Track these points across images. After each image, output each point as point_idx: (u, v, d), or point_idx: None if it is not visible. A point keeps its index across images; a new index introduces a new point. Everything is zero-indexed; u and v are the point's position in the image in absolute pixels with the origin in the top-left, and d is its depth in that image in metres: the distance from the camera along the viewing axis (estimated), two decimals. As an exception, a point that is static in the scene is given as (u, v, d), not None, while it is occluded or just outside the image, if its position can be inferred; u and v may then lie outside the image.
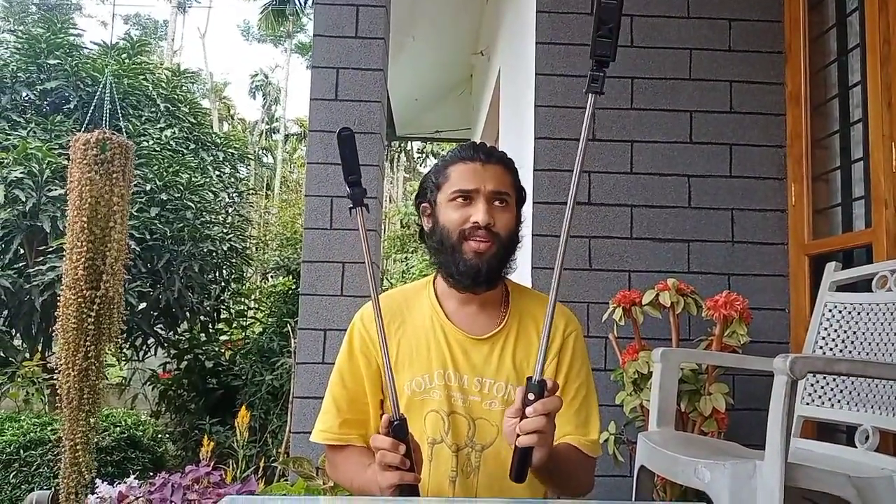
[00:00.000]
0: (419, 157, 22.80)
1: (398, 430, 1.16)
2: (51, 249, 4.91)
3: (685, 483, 1.54)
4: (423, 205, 1.46)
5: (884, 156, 2.09)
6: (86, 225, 3.27)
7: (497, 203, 1.37)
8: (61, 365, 3.27)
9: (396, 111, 6.70)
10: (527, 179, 2.69)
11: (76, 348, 3.24)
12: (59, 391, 3.30)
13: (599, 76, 1.08)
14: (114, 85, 5.19)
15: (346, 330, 1.47)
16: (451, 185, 1.39)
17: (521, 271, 2.45)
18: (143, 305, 5.57)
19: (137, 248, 5.24)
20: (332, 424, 1.40)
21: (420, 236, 1.51)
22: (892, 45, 2.09)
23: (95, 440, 3.42)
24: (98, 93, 4.95)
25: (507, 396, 1.37)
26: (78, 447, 3.28)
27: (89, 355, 3.26)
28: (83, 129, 3.71)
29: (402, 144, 20.38)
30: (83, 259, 3.26)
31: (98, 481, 2.80)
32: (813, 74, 2.57)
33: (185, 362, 6.07)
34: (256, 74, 28.76)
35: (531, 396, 1.11)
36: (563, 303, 1.54)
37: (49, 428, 4.19)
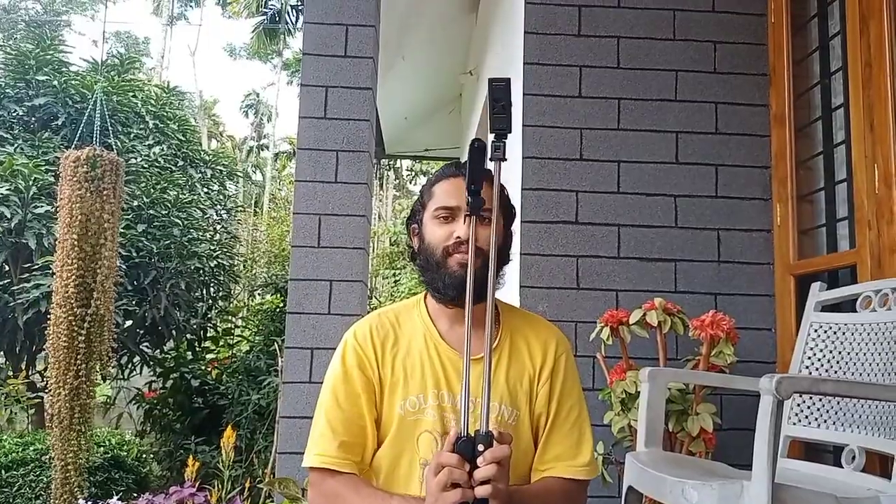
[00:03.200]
0: (409, 175, 22.86)
1: (464, 447, 1.14)
2: (36, 267, 4.86)
3: (673, 504, 1.54)
4: (413, 226, 1.48)
5: (867, 177, 2.12)
6: (76, 242, 3.26)
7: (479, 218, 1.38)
8: (52, 384, 3.24)
9: (386, 129, 6.72)
10: (514, 199, 2.70)
11: (67, 367, 3.21)
12: (49, 411, 3.25)
13: (500, 146, 1.21)
14: (103, 102, 5.18)
15: (333, 349, 1.45)
16: (434, 203, 1.41)
17: (508, 289, 2.45)
18: (128, 323, 5.53)
19: (124, 266, 5.20)
20: (329, 448, 1.33)
21: (410, 258, 1.51)
22: (874, 68, 2.12)
23: (86, 460, 3.38)
24: (88, 110, 4.94)
25: (500, 417, 1.36)
26: (69, 467, 3.23)
27: (80, 374, 3.23)
28: (72, 145, 3.69)
29: (392, 163, 20.43)
30: (73, 277, 3.24)
31: (81, 502, 2.76)
32: (797, 97, 2.61)
33: (171, 381, 6.01)
34: (249, 94, 28.81)
35: (481, 447, 1.13)
36: (551, 322, 1.55)
37: (32, 448, 4.12)
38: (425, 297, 1.48)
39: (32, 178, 5.10)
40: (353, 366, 1.39)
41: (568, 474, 1.38)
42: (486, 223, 1.37)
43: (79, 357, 3.22)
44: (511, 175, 2.75)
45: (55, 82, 6.07)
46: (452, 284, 1.36)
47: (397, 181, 23.63)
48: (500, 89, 1.23)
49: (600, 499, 2.24)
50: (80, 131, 4.72)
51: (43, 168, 5.18)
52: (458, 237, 1.36)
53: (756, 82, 2.72)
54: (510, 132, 1.23)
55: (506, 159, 1.23)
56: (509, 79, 1.25)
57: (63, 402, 3.21)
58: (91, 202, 3.33)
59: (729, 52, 2.74)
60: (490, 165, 1.25)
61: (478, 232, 1.36)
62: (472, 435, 1.15)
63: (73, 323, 3.23)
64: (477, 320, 1.42)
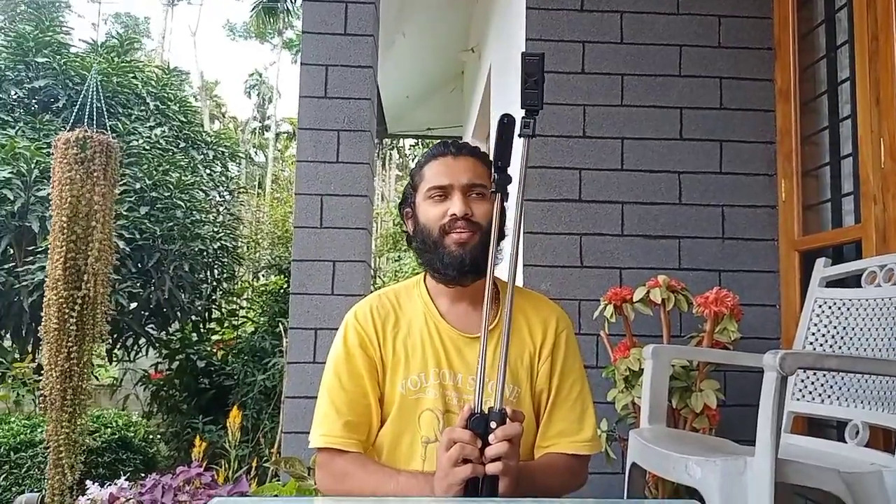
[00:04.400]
0: (411, 154, 22.79)
1: (477, 423, 1.14)
2: (39, 249, 4.88)
3: (677, 480, 1.54)
4: (406, 210, 1.48)
5: (872, 152, 2.10)
6: (65, 224, 3.25)
7: (474, 195, 1.39)
8: (46, 366, 3.25)
9: (388, 108, 6.68)
10: (516, 177, 2.68)
11: (58, 349, 3.22)
12: (43, 392, 3.28)
13: (530, 122, 1.22)
14: (102, 83, 5.16)
15: (337, 329, 1.45)
16: (426, 184, 1.41)
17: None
18: (133, 305, 5.55)
19: (127, 248, 5.21)
20: (334, 427, 1.33)
21: (407, 242, 1.52)
22: (880, 41, 2.09)
23: (82, 442, 3.40)
24: (85, 91, 4.92)
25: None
26: (61, 449, 3.25)
27: (72, 356, 3.23)
28: (71, 127, 3.68)
29: (395, 142, 20.36)
30: (62, 259, 3.24)
31: (88, 483, 2.78)
32: (802, 71, 2.58)
33: (177, 362, 6.04)
34: (252, 74, 28.67)
35: (493, 425, 1.13)
36: (554, 300, 1.55)
37: (39, 430, 4.16)
38: (425, 277, 1.48)
39: (34, 161, 5.09)
40: (354, 345, 1.39)
41: (571, 450, 1.38)
42: (482, 199, 1.39)
43: (70, 340, 3.23)
44: (513, 152, 2.73)
45: (55, 64, 6.05)
46: (451, 264, 1.36)
47: (400, 160, 23.57)
48: (532, 64, 1.23)
49: (604, 475, 2.25)
50: (78, 113, 4.71)
51: (44, 151, 5.17)
52: (454, 214, 1.36)
53: (761, 56, 2.69)
54: (541, 108, 1.23)
55: (535, 136, 1.23)
56: (542, 54, 1.24)
57: (54, 384, 3.23)
58: (80, 184, 3.31)
59: (733, 26, 2.70)
60: (519, 142, 1.24)
61: (475, 207, 1.37)
62: (486, 412, 1.15)
63: (64, 305, 3.23)
64: (481, 299, 1.43)
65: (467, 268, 1.36)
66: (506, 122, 1.23)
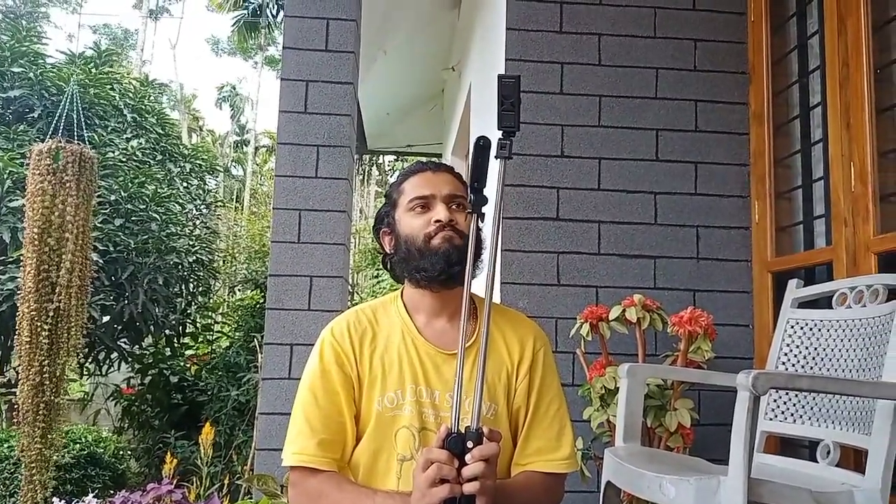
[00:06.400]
0: (390, 171, 22.81)
1: (454, 443, 1.14)
2: (10, 260, 4.79)
3: (651, 499, 1.54)
4: (383, 230, 1.48)
5: (843, 175, 2.14)
6: (37, 236, 3.20)
7: (454, 206, 1.41)
8: (20, 380, 3.20)
9: (368, 125, 6.69)
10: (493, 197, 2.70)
11: (30, 363, 3.16)
12: (15, 407, 3.22)
13: (507, 144, 1.23)
14: (79, 94, 5.10)
15: (313, 345, 1.44)
16: (406, 196, 1.42)
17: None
18: (106, 319, 5.46)
19: (101, 261, 5.13)
20: (308, 445, 1.31)
21: (383, 262, 1.51)
22: (851, 67, 2.15)
23: (53, 457, 3.33)
24: (62, 102, 4.87)
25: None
26: (33, 465, 3.19)
27: (44, 370, 3.17)
28: (47, 138, 3.63)
29: (374, 158, 20.36)
30: (33, 271, 3.19)
31: (56, 500, 2.72)
32: (775, 95, 2.63)
33: (150, 377, 5.96)
34: (224, 86, 28.54)
35: (470, 444, 1.13)
36: (531, 318, 1.55)
37: (6, 445, 4.07)
38: (402, 293, 1.48)
39: (7, 172, 5.01)
40: (330, 362, 1.38)
41: (548, 469, 1.39)
42: (462, 211, 1.41)
43: (41, 353, 3.17)
44: (492, 171, 2.74)
45: (31, 74, 5.97)
46: (439, 261, 1.36)
47: (380, 177, 23.57)
48: (508, 86, 1.24)
49: (579, 494, 2.25)
50: (55, 124, 4.65)
51: (18, 161, 5.10)
52: (439, 220, 1.37)
53: (735, 80, 2.74)
54: (518, 130, 1.23)
55: (511, 157, 1.24)
56: (519, 76, 1.25)
57: (25, 397, 3.17)
58: (52, 195, 3.27)
59: (709, 50, 2.75)
60: (495, 164, 1.26)
61: (457, 217, 1.39)
62: (463, 431, 1.15)
63: (36, 319, 3.18)
64: (455, 314, 1.43)
65: (454, 262, 1.35)
66: (481, 145, 1.23)
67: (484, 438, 1.14)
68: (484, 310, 1.22)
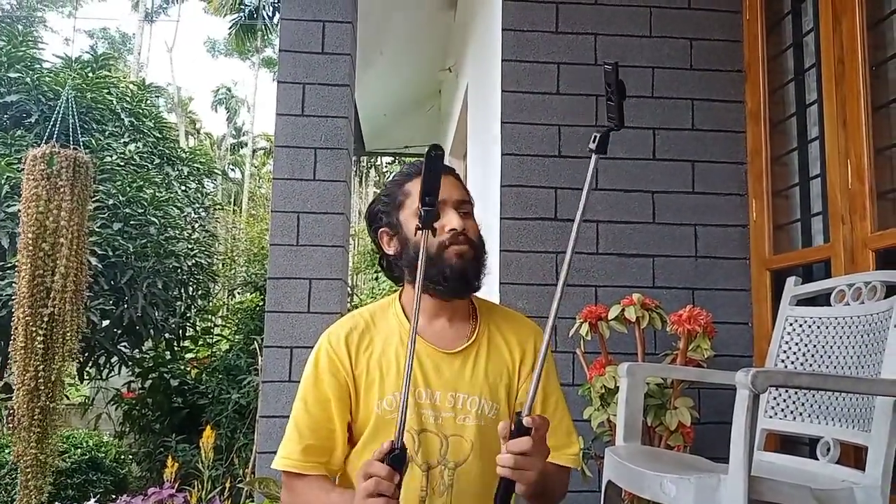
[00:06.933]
0: (388, 172, 22.79)
1: (396, 459, 1.12)
2: (8, 266, 4.79)
3: (652, 498, 1.55)
4: (382, 230, 1.45)
5: (840, 173, 2.15)
6: (31, 242, 3.20)
7: (462, 213, 1.39)
8: (15, 385, 3.20)
9: (365, 126, 6.69)
10: (493, 196, 2.70)
11: (25, 368, 3.16)
12: (11, 412, 3.22)
13: (605, 139, 1.20)
14: (76, 99, 5.10)
15: (312, 347, 1.44)
16: (415, 200, 1.35)
17: (488, 287, 2.45)
18: (105, 323, 5.46)
19: (100, 265, 5.13)
20: (293, 451, 1.35)
21: (380, 263, 1.49)
22: (846, 64, 2.15)
23: (50, 463, 3.33)
24: (58, 107, 4.87)
25: (480, 411, 1.37)
26: (29, 470, 3.19)
27: (39, 375, 3.17)
28: (44, 143, 3.63)
29: (372, 160, 20.36)
30: (27, 276, 3.19)
31: (56, 505, 2.73)
32: (771, 93, 2.63)
33: (150, 381, 5.96)
34: (219, 89, 28.54)
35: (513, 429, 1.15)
36: (530, 318, 1.55)
37: (6, 451, 4.07)
38: (400, 295, 1.48)
39: (5, 177, 5.01)
40: (324, 370, 1.38)
41: (562, 462, 1.41)
42: (469, 217, 1.40)
43: (36, 358, 3.17)
44: (490, 172, 2.75)
45: (28, 79, 5.97)
46: (454, 277, 1.35)
47: (378, 178, 23.56)
48: (608, 74, 1.19)
49: (580, 493, 2.25)
50: (52, 129, 4.65)
51: (15, 166, 5.10)
52: (453, 228, 1.35)
53: (731, 79, 2.74)
54: (621, 125, 1.21)
55: (605, 153, 1.20)
56: (616, 62, 1.19)
57: (21, 403, 3.17)
58: (47, 200, 3.27)
59: (705, 48, 2.76)
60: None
61: (467, 224, 1.38)
62: (405, 447, 1.13)
63: (30, 324, 3.18)
64: (458, 315, 1.43)
65: (470, 278, 1.36)
66: (433, 156, 1.15)
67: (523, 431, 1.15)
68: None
